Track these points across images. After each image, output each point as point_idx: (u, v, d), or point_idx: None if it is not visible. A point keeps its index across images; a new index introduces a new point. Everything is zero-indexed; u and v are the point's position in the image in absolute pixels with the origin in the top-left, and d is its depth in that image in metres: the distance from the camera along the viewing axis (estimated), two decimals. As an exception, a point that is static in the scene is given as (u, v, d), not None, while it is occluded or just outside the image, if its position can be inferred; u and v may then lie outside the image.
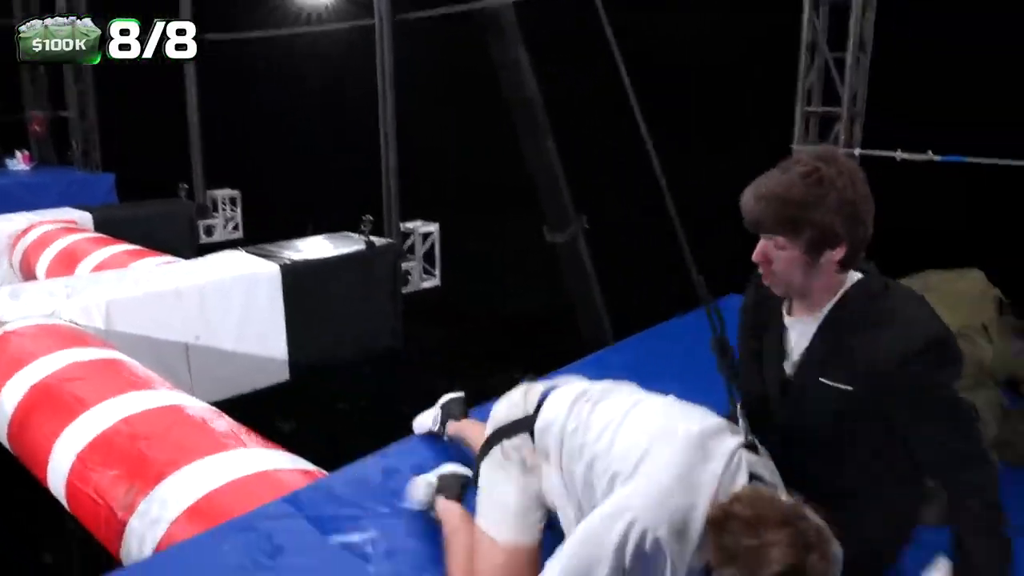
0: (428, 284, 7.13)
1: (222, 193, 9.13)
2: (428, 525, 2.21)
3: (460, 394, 2.62)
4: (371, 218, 6.43)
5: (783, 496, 1.32)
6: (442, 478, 2.22)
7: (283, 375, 5.83)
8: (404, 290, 6.75)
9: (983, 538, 1.42)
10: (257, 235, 7.84)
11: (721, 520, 1.27)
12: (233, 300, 5.38)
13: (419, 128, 8.19)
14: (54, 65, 11.15)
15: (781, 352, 1.62)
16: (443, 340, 7.14)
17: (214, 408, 3.56)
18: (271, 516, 2.26)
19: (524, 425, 1.78)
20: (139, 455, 2.95)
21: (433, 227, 7.11)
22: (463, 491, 2.14)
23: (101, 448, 3.08)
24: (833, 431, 1.53)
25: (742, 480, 1.37)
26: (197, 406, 3.49)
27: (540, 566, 1.57)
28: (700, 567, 1.33)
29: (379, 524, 2.23)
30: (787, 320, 1.62)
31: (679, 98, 7.61)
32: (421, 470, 2.47)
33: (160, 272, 5.36)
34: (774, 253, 1.47)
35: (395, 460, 2.64)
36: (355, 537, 2.15)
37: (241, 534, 2.15)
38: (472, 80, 8.31)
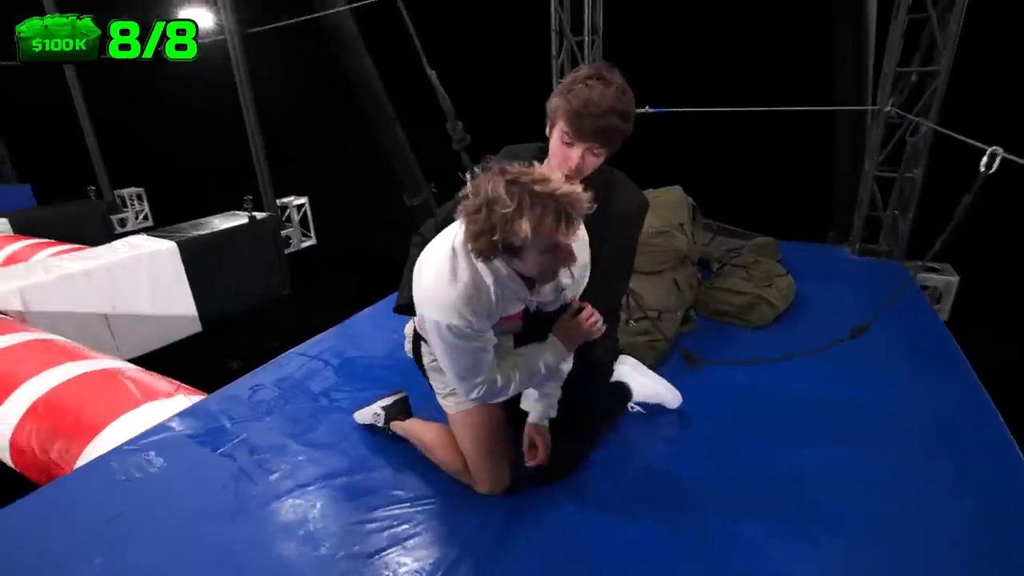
0: (306, 244, 7.13)
1: (128, 191, 8.48)
2: (287, 424, 2.29)
3: (401, 394, 2.21)
4: (251, 197, 6.37)
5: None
6: (387, 408, 2.14)
7: (196, 327, 5.77)
8: (287, 251, 6.72)
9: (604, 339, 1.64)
10: (167, 222, 7.42)
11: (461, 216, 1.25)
12: (140, 274, 5.22)
13: (288, 120, 7.94)
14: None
15: None
16: (324, 285, 7.15)
17: (134, 366, 3.45)
18: (154, 437, 2.25)
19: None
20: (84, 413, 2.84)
21: (303, 199, 7.05)
22: (407, 410, 2.15)
23: (44, 412, 2.96)
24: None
25: None
26: (119, 366, 3.36)
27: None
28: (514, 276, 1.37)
29: (244, 430, 2.26)
30: None
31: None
32: (283, 383, 2.60)
33: (68, 258, 5.07)
34: (590, 160, 1.52)
35: (261, 377, 2.68)
36: (228, 446, 2.17)
37: (129, 455, 2.13)
38: (329, 78, 8.04)
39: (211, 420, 2.39)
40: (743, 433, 2.13)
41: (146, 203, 8.50)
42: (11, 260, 5.61)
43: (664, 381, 2.19)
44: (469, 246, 1.27)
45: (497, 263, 1.33)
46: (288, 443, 2.21)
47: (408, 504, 1.85)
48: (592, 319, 1.53)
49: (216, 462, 2.12)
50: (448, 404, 1.80)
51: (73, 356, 3.49)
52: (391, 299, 3.57)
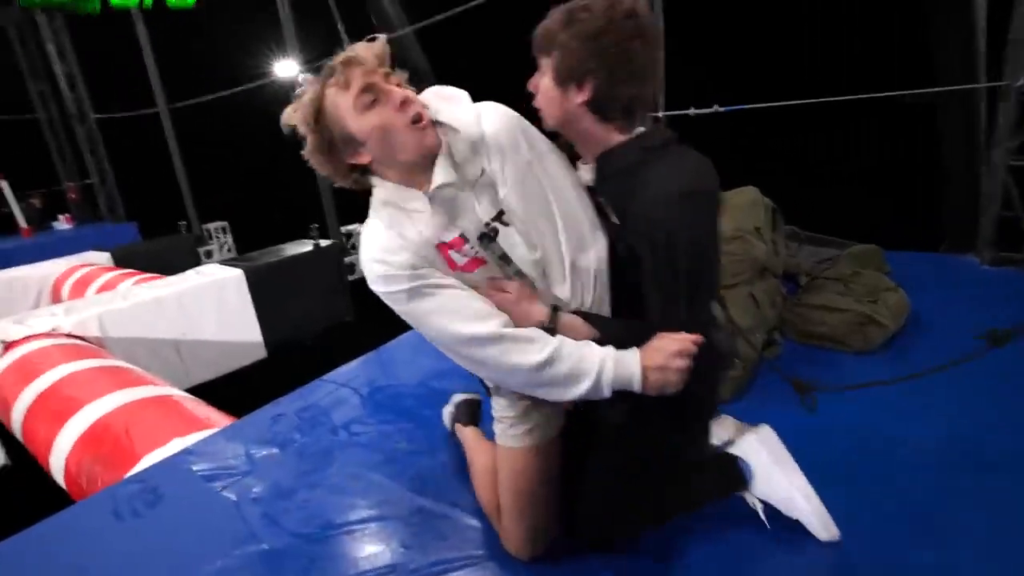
0: (370, 271, 7.11)
1: (214, 225, 8.96)
2: (297, 460, 2.05)
3: (472, 396, 1.95)
4: (316, 225, 6.43)
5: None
6: (457, 406, 1.95)
7: (261, 354, 5.80)
8: (350, 277, 6.70)
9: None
10: (247, 252, 7.75)
11: None
12: (208, 301, 5.30)
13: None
14: (73, 145, 10.86)
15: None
16: (385, 311, 7.02)
17: (188, 395, 3.40)
18: (162, 469, 2.11)
19: None
20: (125, 441, 2.75)
21: (367, 227, 7.07)
22: (476, 414, 1.88)
23: (92, 439, 2.90)
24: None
25: None
26: (175, 394, 3.32)
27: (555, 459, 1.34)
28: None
29: (253, 466, 2.05)
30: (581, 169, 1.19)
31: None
32: (306, 413, 2.39)
33: (146, 288, 5.25)
34: (538, 80, 1.11)
35: (284, 406, 2.51)
36: (230, 481, 1.97)
37: (132, 488, 1.98)
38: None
39: (223, 452, 2.20)
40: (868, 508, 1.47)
41: (230, 236, 8.93)
42: (103, 288, 5.92)
43: (810, 489, 1.35)
44: (341, 184, 1.14)
45: (372, 180, 1.12)
46: (295, 483, 1.95)
47: (415, 570, 1.48)
48: (685, 345, 1.03)
49: (216, 501, 1.89)
50: (497, 431, 1.39)
51: (131, 383, 3.48)
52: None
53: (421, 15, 6.08)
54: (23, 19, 10.30)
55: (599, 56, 1.01)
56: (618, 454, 1.28)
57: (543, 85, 1.09)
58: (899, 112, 3.99)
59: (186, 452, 2.22)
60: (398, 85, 1.07)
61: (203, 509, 1.86)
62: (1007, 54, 2.89)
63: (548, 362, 1.06)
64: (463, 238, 1.11)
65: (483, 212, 1.11)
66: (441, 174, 1.06)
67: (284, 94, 7.04)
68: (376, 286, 1.11)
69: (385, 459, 2.02)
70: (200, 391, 4.70)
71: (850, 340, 2.37)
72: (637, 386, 1.05)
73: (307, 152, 1.09)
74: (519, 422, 1.31)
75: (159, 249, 8.13)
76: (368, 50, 1.05)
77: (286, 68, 6.79)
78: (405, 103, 1.04)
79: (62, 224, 10.59)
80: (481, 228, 1.11)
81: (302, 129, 1.07)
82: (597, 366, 1.05)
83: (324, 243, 6.26)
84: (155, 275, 6.43)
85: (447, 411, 2.00)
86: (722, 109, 3.63)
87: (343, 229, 6.91)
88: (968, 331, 2.41)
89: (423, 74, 6.80)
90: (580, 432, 1.34)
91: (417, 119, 1.04)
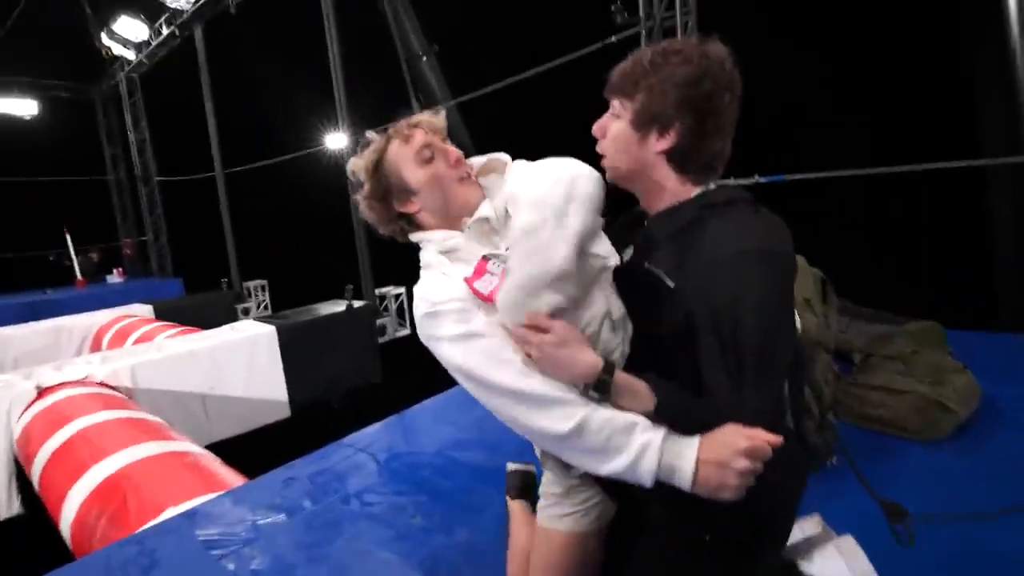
0: (401, 334, 7.08)
1: (254, 283, 9.21)
2: (304, 531, 1.92)
3: (526, 466, 1.79)
4: (352, 286, 6.50)
5: None
6: (509, 476, 1.79)
7: (285, 413, 5.72)
8: (381, 339, 6.67)
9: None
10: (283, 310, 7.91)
11: None
12: (239, 357, 5.31)
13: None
14: (135, 204, 11.58)
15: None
16: (414, 375, 6.96)
17: (208, 452, 3.28)
18: (164, 532, 2.01)
19: None
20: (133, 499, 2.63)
21: (400, 289, 7.12)
22: (526, 488, 1.71)
23: (103, 493, 2.80)
24: (654, 328, 0.97)
25: None
26: (193, 451, 3.22)
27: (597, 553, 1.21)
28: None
29: (256, 533, 1.92)
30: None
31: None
32: (319, 478, 2.29)
33: (180, 340, 5.32)
34: (609, 123, 1.00)
35: (299, 468, 2.41)
36: (231, 550, 1.84)
37: (130, 550, 1.88)
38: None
39: (228, 516, 2.06)
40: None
41: (267, 294, 9.15)
42: (141, 340, 6.04)
43: None
44: (384, 232, 1.18)
45: (415, 236, 1.13)
46: (297, 557, 1.79)
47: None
48: (758, 444, 0.83)
49: (212, 571, 1.74)
50: (539, 507, 1.27)
51: (151, 436, 3.41)
52: (453, 392, 3.17)
53: (462, 91, 6.37)
54: (109, 94, 11.37)
55: (689, 104, 0.92)
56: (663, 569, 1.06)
57: (616, 129, 0.98)
58: (946, 185, 3.85)
59: (190, 514, 2.10)
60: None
61: (199, 575, 1.71)
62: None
63: (576, 432, 0.90)
64: (486, 258, 1.02)
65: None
66: (482, 210, 1.07)
67: (333, 163, 7.40)
68: (420, 328, 1.03)
69: (397, 535, 1.85)
70: (220, 448, 4.63)
71: (915, 426, 2.13)
72: (686, 481, 0.86)
73: (362, 197, 1.15)
74: (562, 501, 1.20)
75: (200, 304, 8.35)
76: (431, 117, 1.17)
77: (336, 140, 7.15)
78: (458, 161, 1.12)
79: (115, 277, 11.13)
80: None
81: (362, 175, 1.14)
82: (636, 449, 0.88)
83: (357, 304, 6.29)
84: (193, 328, 6.55)
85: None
86: (763, 180, 3.56)
87: (378, 291, 6.98)
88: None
89: (464, 147, 7.05)
90: (629, 530, 1.14)
91: (466, 176, 1.12)
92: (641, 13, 4.08)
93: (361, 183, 1.15)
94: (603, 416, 0.91)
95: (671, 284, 0.93)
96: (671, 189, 0.98)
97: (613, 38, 4.26)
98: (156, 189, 10.62)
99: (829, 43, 5.04)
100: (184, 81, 8.95)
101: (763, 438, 0.83)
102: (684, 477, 0.86)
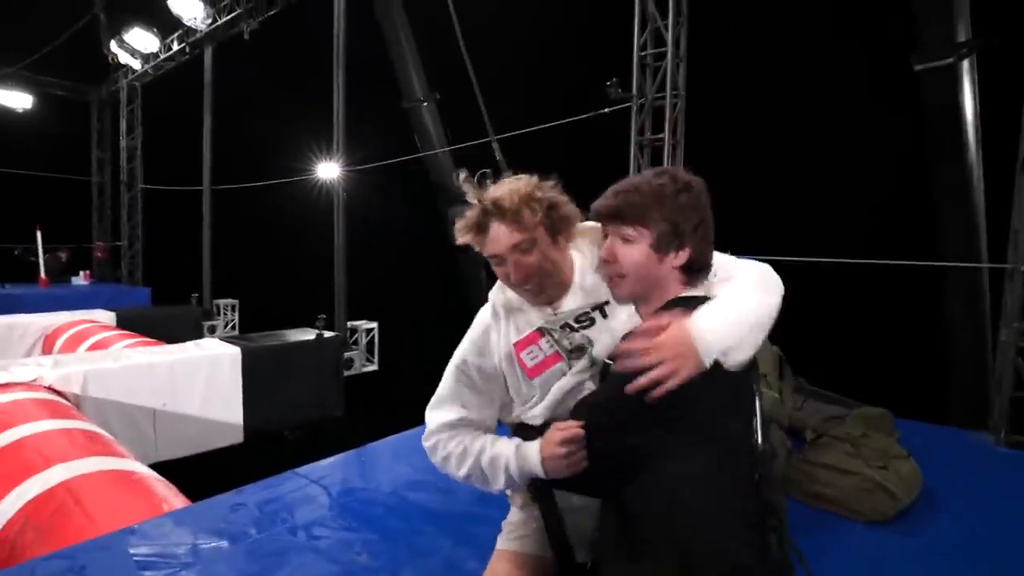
0: (368, 369, 7.00)
1: (225, 301, 9.06)
2: (246, 559, 1.86)
3: None
4: (324, 316, 6.46)
5: None
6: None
7: (238, 438, 5.53)
8: (348, 373, 6.58)
9: None
10: (250, 332, 7.74)
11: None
12: (198, 375, 5.17)
13: (378, 250, 8.35)
14: (115, 209, 11.43)
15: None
16: (377, 411, 6.86)
17: (153, 473, 3.12)
18: (96, 548, 1.90)
19: None
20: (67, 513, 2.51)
21: (373, 324, 7.08)
22: None
23: (38, 506, 2.64)
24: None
25: None
26: (138, 470, 3.07)
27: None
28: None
29: (195, 559, 1.85)
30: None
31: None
32: (268, 506, 2.23)
33: (139, 351, 5.17)
34: (620, 249, 1.08)
35: (248, 495, 2.34)
36: (166, 572, 1.76)
37: (56, 563, 1.78)
38: (427, 220, 8.50)
39: (167, 538, 2.00)
40: None
41: (237, 313, 8.99)
42: (96, 346, 5.84)
43: None
44: None
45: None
46: (234, 584, 1.72)
47: None
48: (564, 438, 1.05)
49: (143, 598, 1.66)
50: (500, 536, 1.44)
51: (95, 451, 3.27)
52: (416, 431, 3.15)
53: (459, 138, 6.60)
54: (107, 98, 11.40)
55: (696, 223, 1.08)
56: None
57: (636, 254, 1.08)
58: (908, 283, 4.09)
59: (127, 532, 2.02)
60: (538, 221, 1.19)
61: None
62: (1011, 238, 3.00)
63: (468, 476, 1.26)
64: (541, 332, 1.21)
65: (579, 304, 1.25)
66: (570, 302, 1.23)
67: (323, 192, 7.49)
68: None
69: (340, 572, 1.81)
70: (166, 468, 4.43)
71: (858, 506, 2.19)
72: (540, 470, 1.11)
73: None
74: (515, 529, 1.39)
75: (165, 316, 8.16)
76: (523, 206, 1.16)
77: (328, 170, 7.26)
78: (526, 278, 1.19)
79: (80, 280, 10.81)
80: (576, 314, 1.22)
81: (466, 241, 1.22)
82: (503, 465, 1.19)
83: (328, 334, 6.23)
84: (154, 341, 6.38)
85: None
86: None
87: (350, 324, 6.93)
88: (984, 516, 2.24)
89: (453, 191, 7.24)
90: None
91: (526, 290, 1.23)
92: (634, 90, 4.36)
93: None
94: (486, 453, 1.24)
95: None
96: (674, 292, 1.11)
97: (606, 109, 4.51)
98: (139, 196, 10.52)
99: (805, 135, 5.40)
100: (184, 95, 9.06)
101: (574, 426, 1.05)
102: (538, 469, 1.11)
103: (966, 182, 4.17)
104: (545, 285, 1.20)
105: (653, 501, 0.95)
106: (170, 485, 2.99)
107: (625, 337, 1.01)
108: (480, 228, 1.18)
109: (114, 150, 11.38)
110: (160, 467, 3.76)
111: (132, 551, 1.89)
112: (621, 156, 4.55)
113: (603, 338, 1.18)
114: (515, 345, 1.22)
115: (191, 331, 8.22)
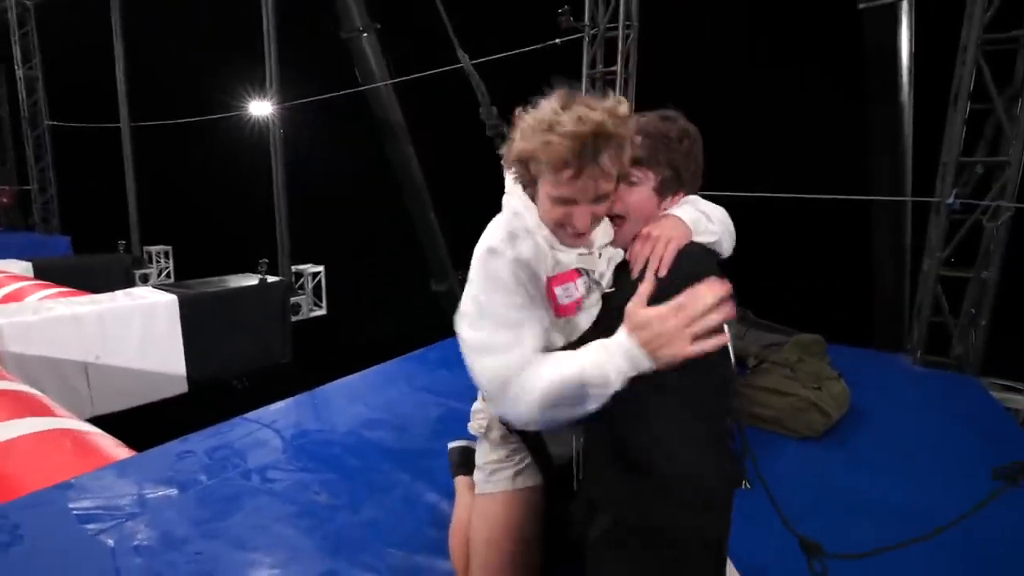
0: (316, 313, 6.81)
1: (157, 248, 8.49)
2: (197, 505, 1.78)
3: (466, 443, 1.69)
4: (266, 260, 6.17)
5: None
6: (451, 453, 1.72)
7: (182, 388, 5.33)
8: (295, 318, 6.38)
9: None
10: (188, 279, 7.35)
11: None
12: (132, 325, 4.88)
13: (323, 192, 7.97)
14: (19, 149, 10.30)
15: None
16: (328, 356, 6.76)
17: (96, 428, 2.92)
18: (30, 505, 1.78)
19: None
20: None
21: (320, 268, 6.84)
22: (470, 463, 1.57)
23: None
24: None
25: None
26: (74, 426, 2.87)
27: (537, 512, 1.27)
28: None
29: (142, 508, 1.76)
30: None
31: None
32: (217, 453, 2.14)
33: (64, 302, 4.80)
34: (623, 191, 1.05)
35: (194, 443, 2.23)
36: (110, 524, 1.67)
37: None
38: (370, 159, 8.14)
39: (110, 490, 1.89)
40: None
41: (171, 261, 8.46)
42: (9, 298, 5.38)
43: None
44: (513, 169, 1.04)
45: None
46: (189, 532, 1.68)
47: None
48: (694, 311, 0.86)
49: (87, 547, 1.60)
50: (477, 478, 1.35)
51: (22, 412, 3.04)
52: (368, 372, 3.11)
53: (402, 71, 6.23)
54: (-8, 19, 10.00)
55: (693, 169, 1.12)
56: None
57: (640, 196, 1.08)
58: (837, 214, 4.27)
59: (64, 487, 1.90)
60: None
61: (69, 555, 1.56)
62: (940, 172, 3.15)
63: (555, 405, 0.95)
64: (579, 272, 1.08)
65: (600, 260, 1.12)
66: (602, 237, 1.11)
67: (256, 129, 6.97)
68: (483, 246, 1.03)
69: (299, 511, 1.78)
70: (108, 422, 4.22)
71: (794, 425, 2.35)
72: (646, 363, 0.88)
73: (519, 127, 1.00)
74: (499, 467, 1.29)
75: (89, 266, 7.59)
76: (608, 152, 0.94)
77: (261, 107, 6.73)
78: (578, 224, 0.99)
79: (-16, 228, 9.86)
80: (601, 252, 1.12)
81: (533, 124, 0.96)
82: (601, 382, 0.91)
83: (272, 279, 5.98)
84: (78, 292, 5.94)
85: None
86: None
87: (295, 268, 6.66)
88: (903, 429, 2.45)
89: (397, 127, 6.89)
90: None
91: (578, 236, 1.02)
92: (587, 20, 4.18)
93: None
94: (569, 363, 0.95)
95: None
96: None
97: (558, 40, 4.33)
98: (46, 134, 9.48)
99: (749, 72, 5.42)
100: (90, 18, 8.06)
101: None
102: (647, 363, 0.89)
103: (898, 121, 4.32)
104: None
105: (639, 431, 0.96)
106: (113, 439, 2.85)
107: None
108: (579, 158, 0.90)
109: (10, 83, 10.12)
110: (101, 422, 3.58)
111: (72, 505, 1.80)
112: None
113: (607, 273, 1.12)
114: (551, 279, 1.05)
115: (121, 280, 7.72)
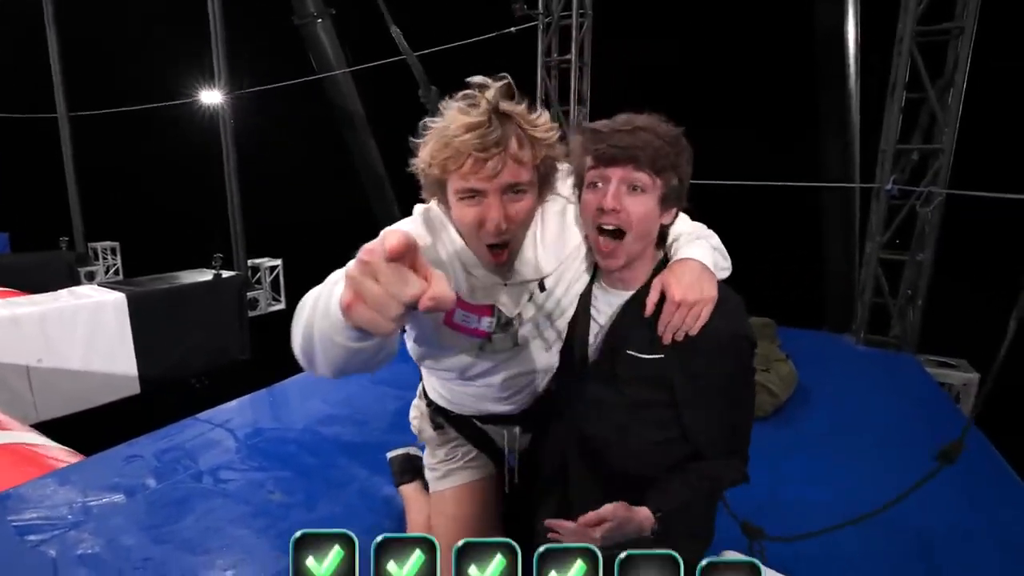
0: (275, 308, 6.66)
1: (103, 244, 8.11)
2: (146, 511, 1.75)
3: (407, 450, 1.65)
4: (221, 255, 5.98)
5: None
6: (392, 463, 1.65)
7: (134, 389, 5.15)
8: (252, 313, 6.23)
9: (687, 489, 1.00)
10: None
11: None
12: (78, 326, 4.68)
13: (280, 183, 7.75)
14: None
15: (586, 321, 1.04)
16: (289, 352, 6.59)
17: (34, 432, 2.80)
18: None
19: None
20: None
21: (277, 262, 6.68)
22: (415, 470, 1.58)
23: None
24: (631, 402, 0.99)
25: None
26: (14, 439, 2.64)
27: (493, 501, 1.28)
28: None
29: (86, 516, 1.71)
30: (595, 290, 1.05)
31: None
32: (167, 455, 2.09)
33: (1, 303, 4.56)
34: (628, 198, 0.91)
35: (142, 446, 2.18)
36: (52, 535, 1.62)
37: None
38: (328, 149, 7.95)
39: (50, 499, 1.83)
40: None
41: (119, 257, 8.11)
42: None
43: None
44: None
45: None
46: (137, 538, 1.64)
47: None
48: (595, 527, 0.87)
49: (27, 559, 1.54)
50: (428, 478, 1.36)
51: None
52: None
53: (360, 59, 6.10)
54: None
55: (688, 181, 0.98)
56: None
57: (647, 205, 0.93)
58: (789, 200, 4.41)
59: (1, 498, 1.82)
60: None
61: (8, 569, 1.51)
62: (879, 159, 3.29)
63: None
64: (492, 309, 0.98)
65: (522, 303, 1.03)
66: (524, 271, 1.00)
67: (206, 119, 6.71)
68: None
69: (253, 512, 1.76)
70: (55, 427, 4.05)
71: (744, 406, 2.44)
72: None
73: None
74: (446, 462, 1.30)
75: (29, 264, 7.20)
76: (544, 135, 0.90)
77: (210, 96, 6.48)
78: (496, 230, 0.91)
79: (-88, 226, 9.22)
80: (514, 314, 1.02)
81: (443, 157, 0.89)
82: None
83: (226, 274, 5.81)
84: (17, 292, 5.65)
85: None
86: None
87: (250, 262, 6.48)
88: (847, 406, 2.58)
89: (356, 117, 6.76)
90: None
91: (497, 225, 0.91)
92: (540, 8, 4.17)
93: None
94: None
95: (661, 356, 0.96)
96: (651, 256, 1.01)
97: (513, 29, 4.31)
98: (-24, 125, 8.91)
99: (703, 59, 5.52)
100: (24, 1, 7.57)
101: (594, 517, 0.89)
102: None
103: (845, 108, 4.47)
104: (513, 246, 0.96)
105: (607, 430, 1.01)
106: (61, 447, 2.73)
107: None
108: (481, 140, 0.84)
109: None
110: (49, 428, 3.44)
111: (11, 517, 1.73)
112: (527, 80, 4.41)
113: (532, 315, 1.02)
114: (457, 302, 0.92)
115: (64, 279, 7.33)
